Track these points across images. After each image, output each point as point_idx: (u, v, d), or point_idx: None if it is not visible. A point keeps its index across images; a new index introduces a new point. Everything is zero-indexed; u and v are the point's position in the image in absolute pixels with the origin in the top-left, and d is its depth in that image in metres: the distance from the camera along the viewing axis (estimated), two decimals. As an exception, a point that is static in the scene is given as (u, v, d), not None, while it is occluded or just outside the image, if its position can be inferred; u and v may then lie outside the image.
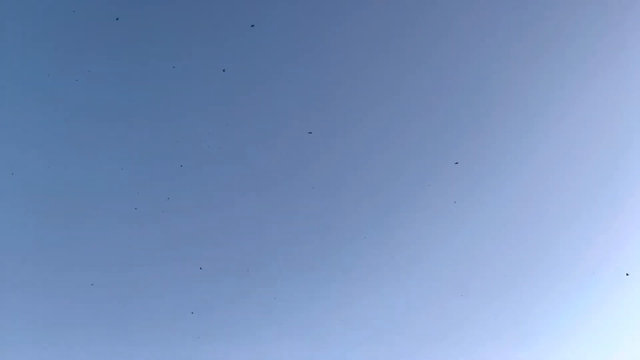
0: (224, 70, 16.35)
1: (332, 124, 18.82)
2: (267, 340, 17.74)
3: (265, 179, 18.77)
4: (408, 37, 18.73)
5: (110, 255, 17.97)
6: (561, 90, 18.40)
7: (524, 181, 18.49)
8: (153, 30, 18.49)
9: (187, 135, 18.51)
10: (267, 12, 18.41)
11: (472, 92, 18.66)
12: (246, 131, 18.77)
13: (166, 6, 18.39)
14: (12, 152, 17.97)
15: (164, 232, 18.28)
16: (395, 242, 18.54)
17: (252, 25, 15.10)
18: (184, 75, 18.55)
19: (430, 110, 18.72)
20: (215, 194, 18.61)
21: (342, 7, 18.56)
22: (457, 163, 15.32)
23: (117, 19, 18.03)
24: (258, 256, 18.39)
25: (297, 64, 18.73)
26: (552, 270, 18.17)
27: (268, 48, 18.63)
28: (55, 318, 17.25)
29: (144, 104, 18.52)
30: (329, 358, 17.63)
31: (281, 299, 18.03)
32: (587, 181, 18.41)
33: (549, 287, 18.07)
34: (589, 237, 18.20)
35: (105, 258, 17.90)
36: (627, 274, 17.54)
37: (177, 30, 18.43)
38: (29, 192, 17.96)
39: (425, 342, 17.76)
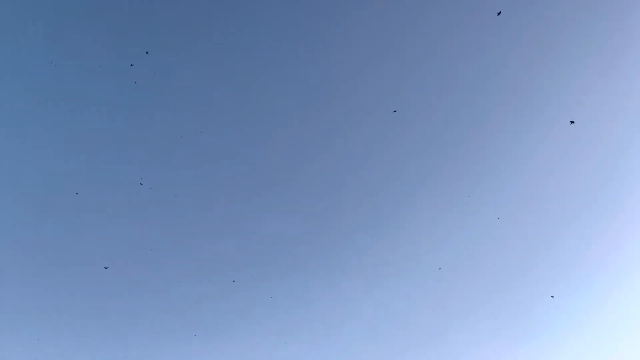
0: (131, 65, 16.45)
1: (332, 123, 18.89)
2: (265, 337, 17.80)
3: (263, 178, 18.87)
4: (412, 38, 18.79)
5: (109, 251, 18.09)
6: (561, 91, 18.41)
7: (524, 181, 18.51)
8: (155, 29, 18.58)
9: (188, 133, 18.58)
10: (267, 13, 18.49)
11: (472, 92, 18.68)
12: (247, 131, 18.86)
13: (166, 6, 18.47)
14: (15, 148, 18.07)
15: (163, 230, 18.39)
16: (394, 241, 18.59)
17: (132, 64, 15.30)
18: (186, 73, 18.64)
19: (430, 110, 18.77)
20: (214, 193, 18.73)
21: (341, 7, 18.62)
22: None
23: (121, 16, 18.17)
24: (255, 255, 18.49)
25: (301, 64, 18.81)
26: (551, 270, 18.17)
27: (269, 48, 18.71)
28: (51, 314, 17.34)
29: (151, 102, 18.62)
30: (326, 355, 17.66)
31: (280, 297, 18.10)
32: (586, 181, 18.40)
33: (547, 286, 18.08)
34: (588, 237, 18.21)
35: (101, 255, 18.01)
36: (552, 296, 17.71)
37: (179, 30, 18.51)
38: (32, 187, 18.07)
39: (424, 340, 17.80)
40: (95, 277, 17.67)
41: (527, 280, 18.36)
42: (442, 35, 18.55)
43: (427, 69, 18.67)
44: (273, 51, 18.70)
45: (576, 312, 17.85)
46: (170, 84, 18.47)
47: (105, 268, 17.44)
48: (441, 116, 18.76)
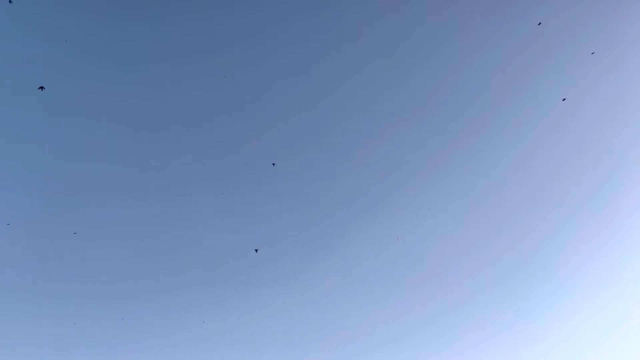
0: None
1: (320, 122, 18.92)
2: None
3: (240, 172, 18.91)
4: (412, 38, 18.77)
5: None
6: (559, 92, 18.41)
7: (518, 182, 18.51)
8: (154, 29, 18.52)
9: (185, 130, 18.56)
10: (261, 12, 18.45)
11: (470, 92, 18.70)
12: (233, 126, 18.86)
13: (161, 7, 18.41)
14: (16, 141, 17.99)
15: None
16: (370, 239, 18.58)
17: None
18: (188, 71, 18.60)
19: (425, 109, 18.77)
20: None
21: (335, 7, 18.60)
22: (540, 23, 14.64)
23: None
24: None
25: (287, 61, 18.77)
26: (536, 273, 18.20)
27: (265, 47, 18.69)
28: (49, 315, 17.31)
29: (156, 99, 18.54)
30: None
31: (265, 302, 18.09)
32: (581, 183, 18.42)
33: (529, 288, 18.10)
34: (576, 243, 18.20)
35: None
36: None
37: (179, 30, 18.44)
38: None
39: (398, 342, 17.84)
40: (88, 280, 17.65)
41: (524, 277, 18.38)
42: (445, 35, 18.52)
43: (425, 68, 18.66)
44: (260, 47, 18.62)
45: (562, 314, 17.84)
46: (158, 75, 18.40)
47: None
48: (437, 115, 18.77)
